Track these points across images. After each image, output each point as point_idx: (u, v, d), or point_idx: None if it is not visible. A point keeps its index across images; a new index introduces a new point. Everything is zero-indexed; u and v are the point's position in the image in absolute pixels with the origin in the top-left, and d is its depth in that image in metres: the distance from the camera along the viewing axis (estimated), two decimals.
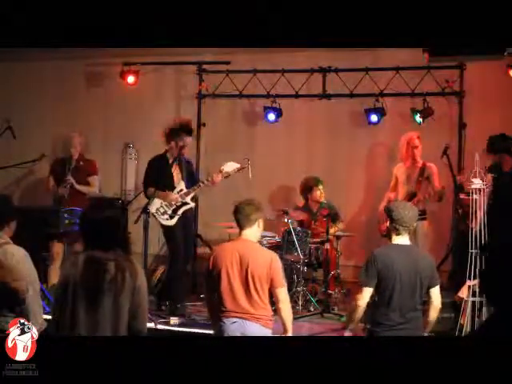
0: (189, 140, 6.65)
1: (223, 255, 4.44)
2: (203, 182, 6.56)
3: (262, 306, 4.37)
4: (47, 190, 7.42)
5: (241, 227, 4.50)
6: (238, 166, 6.58)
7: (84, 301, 3.26)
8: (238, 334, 4.28)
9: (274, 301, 4.53)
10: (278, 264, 4.44)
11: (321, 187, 7.46)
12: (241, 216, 4.46)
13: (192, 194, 6.57)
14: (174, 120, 6.80)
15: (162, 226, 6.55)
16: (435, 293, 4.30)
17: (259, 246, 4.69)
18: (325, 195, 7.47)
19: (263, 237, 6.96)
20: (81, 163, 7.29)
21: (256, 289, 4.34)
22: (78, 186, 7.16)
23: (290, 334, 4.43)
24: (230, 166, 6.54)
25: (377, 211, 7.10)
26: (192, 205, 6.65)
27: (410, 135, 7.09)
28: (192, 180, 6.69)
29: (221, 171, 6.51)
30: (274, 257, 4.47)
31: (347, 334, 4.34)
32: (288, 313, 4.44)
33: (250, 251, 4.42)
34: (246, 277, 4.33)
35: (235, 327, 4.32)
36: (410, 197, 6.89)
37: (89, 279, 3.27)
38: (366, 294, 4.24)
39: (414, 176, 7.08)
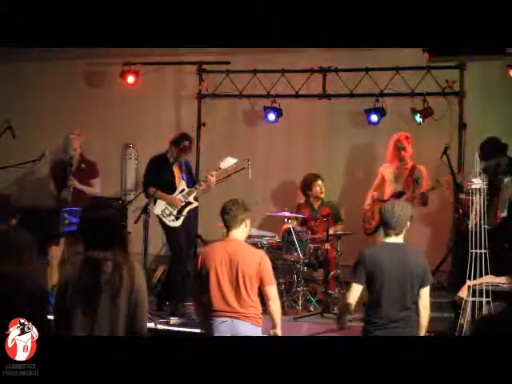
0: (188, 144, 6.66)
1: (212, 254, 4.46)
2: (200, 184, 6.55)
3: (252, 305, 4.39)
4: (48, 191, 7.38)
5: (228, 227, 4.52)
6: (236, 160, 6.57)
7: (82, 302, 3.24)
8: (229, 334, 4.29)
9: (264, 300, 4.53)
10: (268, 262, 4.48)
11: (320, 182, 7.43)
12: (228, 217, 4.48)
13: (194, 194, 6.57)
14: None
15: (165, 227, 6.53)
16: (423, 295, 4.24)
17: (248, 245, 4.71)
18: (325, 195, 7.47)
19: (263, 237, 6.98)
20: (82, 166, 7.20)
21: (246, 287, 4.35)
22: (80, 186, 7.12)
23: (279, 328, 4.44)
24: (227, 162, 6.52)
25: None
26: (196, 204, 6.64)
27: (397, 136, 7.02)
28: (192, 180, 6.72)
29: (217, 169, 6.52)
30: (263, 255, 4.51)
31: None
32: (278, 310, 4.48)
33: (240, 250, 4.45)
34: (236, 276, 4.35)
35: (225, 327, 4.33)
36: (398, 195, 6.83)
37: (86, 280, 3.25)
38: (354, 290, 4.21)
39: (403, 176, 7.03)
